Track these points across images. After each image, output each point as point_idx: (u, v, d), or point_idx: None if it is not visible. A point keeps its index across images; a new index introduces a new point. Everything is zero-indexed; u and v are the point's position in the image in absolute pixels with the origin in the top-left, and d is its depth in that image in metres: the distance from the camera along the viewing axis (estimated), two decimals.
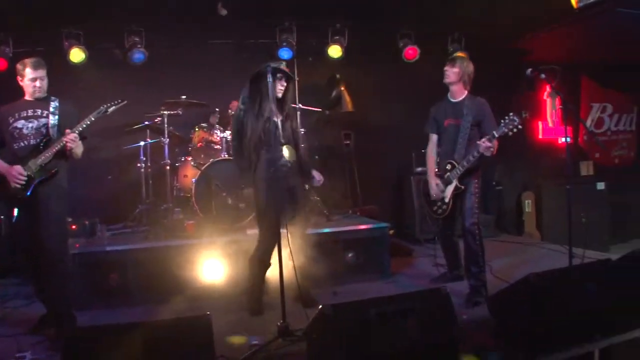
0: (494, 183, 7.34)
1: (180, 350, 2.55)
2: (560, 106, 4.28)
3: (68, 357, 2.48)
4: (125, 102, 4.11)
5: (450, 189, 4.39)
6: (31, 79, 3.89)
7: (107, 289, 4.59)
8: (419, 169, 6.80)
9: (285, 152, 4.15)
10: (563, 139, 4.63)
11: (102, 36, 6.14)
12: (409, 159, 6.86)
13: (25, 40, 5.88)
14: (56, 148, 3.81)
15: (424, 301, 2.73)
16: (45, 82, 3.97)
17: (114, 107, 4.04)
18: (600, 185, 7.23)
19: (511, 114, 3.96)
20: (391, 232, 6.79)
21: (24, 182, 3.75)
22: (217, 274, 4.62)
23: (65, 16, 5.76)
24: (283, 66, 4.22)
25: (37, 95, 3.94)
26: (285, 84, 4.22)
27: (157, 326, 2.59)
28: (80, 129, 3.87)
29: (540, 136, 7.88)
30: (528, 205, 7.24)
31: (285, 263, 3.62)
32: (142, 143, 5.85)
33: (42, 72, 3.93)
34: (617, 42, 6.75)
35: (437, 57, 6.66)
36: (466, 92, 4.39)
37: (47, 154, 3.80)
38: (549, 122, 7.87)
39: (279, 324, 3.51)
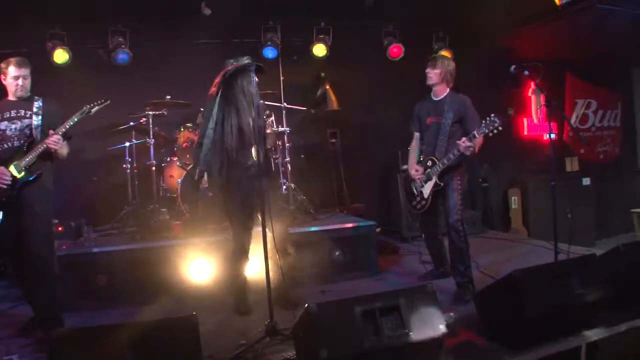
0: (480, 180, 7.37)
1: (167, 351, 2.54)
2: (545, 103, 4.27)
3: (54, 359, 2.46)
4: (109, 102, 4.10)
5: (429, 185, 4.42)
6: (14, 76, 3.86)
7: (95, 290, 4.56)
8: (405, 166, 6.73)
9: (253, 152, 4.06)
10: (548, 136, 4.65)
11: (87, 37, 6.10)
12: (395, 157, 6.86)
13: (8, 41, 5.80)
14: (40, 149, 3.79)
15: (410, 298, 2.74)
16: (28, 82, 3.94)
17: (97, 107, 4.04)
18: (586, 181, 7.31)
19: (492, 115, 3.96)
20: (378, 230, 6.82)
21: (8, 184, 3.71)
22: (205, 274, 4.60)
23: (49, 16, 5.71)
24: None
25: (20, 94, 3.91)
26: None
27: (143, 327, 2.57)
28: (64, 129, 3.85)
29: (525, 132, 7.95)
30: (514, 201, 7.31)
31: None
32: (127, 144, 5.80)
33: (25, 71, 3.90)
34: (600, 38, 6.83)
35: (422, 55, 6.68)
36: (448, 90, 4.42)
37: (30, 156, 3.78)
38: (534, 119, 7.94)
39: (266, 323, 3.52)
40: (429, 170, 4.39)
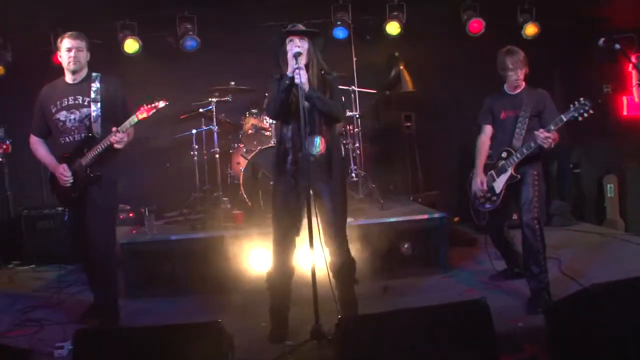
0: (571, 165, 6.68)
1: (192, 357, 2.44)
2: None
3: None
4: (167, 102, 3.89)
5: (503, 178, 4.07)
6: (67, 48, 3.70)
7: (156, 278, 4.60)
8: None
9: (317, 140, 3.41)
10: None
11: (155, 25, 6.16)
12: (475, 141, 6.35)
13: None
14: (102, 148, 3.71)
15: (457, 315, 2.42)
16: (82, 55, 3.77)
17: (154, 110, 3.81)
18: None
19: (582, 98, 3.68)
20: (456, 219, 6.46)
21: (71, 182, 3.75)
22: (263, 266, 4.49)
23: (120, 8, 5.83)
24: (298, 26, 3.49)
25: (73, 67, 3.74)
26: (303, 44, 3.35)
27: (165, 331, 2.48)
28: (127, 126, 3.74)
29: (625, 113, 7.07)
30: (610, 190, 6.55)
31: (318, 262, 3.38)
32: (193, 131, 5.83)
33: (79, 43, 3.75)
34: None
35: (505, 29, 6.15)
36: (524, 83, 4.12)
37: (92, 154, 3.72)
38: (635, 97, 7.03)
39: (312, 325, 3.33)
40: (502, 162, 4.07)
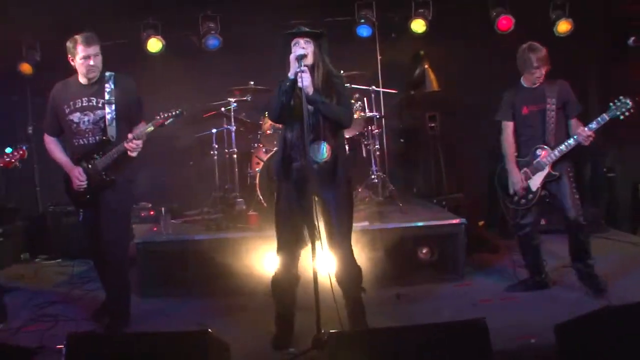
0: (604, 170, 6.36)
1: None
2: None
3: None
4: (184, 112, 3.83)
5: (540, 176, 4.06)
6: (84, 57, 3.57)
7: (169, 278, 4.63)
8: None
9: (323, 147, 3.30)
10: None
11: (178, 24, 6.18)
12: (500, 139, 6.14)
13: (107, 33, 6.08)
14: (115, 154, 3.70)
15: (453, 335, 2.31)
16: (99, 59, 3.65)
17: (171, 120, 3.77)
18: None
19: (622, 97, 3.72)
20: (481, 223, 6.27)
21: (85, 186, 3.75)
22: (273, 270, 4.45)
23: (143, 7, 5.88)
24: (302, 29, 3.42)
25: (92, 75, 3.66)
26: (308, 46, 3.27)
27: (152, 339, 2.47)
28: (143, 134, 3.71)
29: None
30: None
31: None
32: (213, 130, 5.83)
33: (95, 49, 3.61)
34: None
35: (536, 26, 5.89)
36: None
37: (107, 159, 3.70)
38: None
39: (314, 335, 3.26)
40: (538, 160, 4.02)
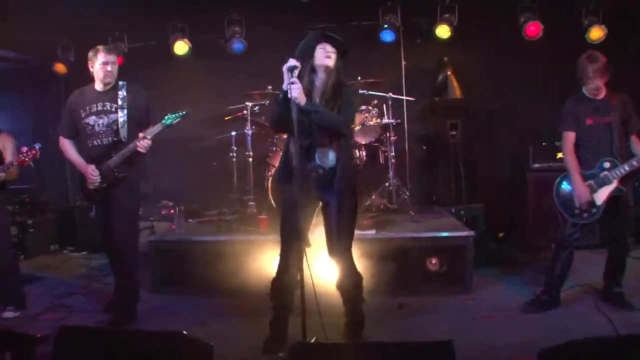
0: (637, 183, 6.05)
1: None
2: None
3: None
4: (189, 112, 4.02)
5: (606, 190, 3.92)
6: (103, 62, 3.90)
7: (179, 277, 4.75)
8: (537, 164, 5.93)
9: (329, 153, 3.35)
10: None
11: (204, 28, 6.31)
12: (525, 152, 5.97)
13: (138, 34, 6.30)
14: (127, 152, 3.92)
15: (418, 356, 2.28)
16: (116, 68, 3.99)
17: (178, 119, 3.97)
18: None
19: None
20: (501, 235, 6.11)
21: (98, 182, 3.98)
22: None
23: (171, 10, 6.05)
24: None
25: (108, 80, 3.96)
26: (333, 54, 3.37)
27: (138, 336, 2.56)
28: (152, 134, 3.92)
29: None
30: None
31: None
32: (233, 133, 5.93)
33: (114, 57, 3.97)
34: None
35: (566, 32, 5.68)
36: (605, 89, 3.97)
37: (119, 158, 3.93)
38: None
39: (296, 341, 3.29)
40: (606, 172, 3.91)
